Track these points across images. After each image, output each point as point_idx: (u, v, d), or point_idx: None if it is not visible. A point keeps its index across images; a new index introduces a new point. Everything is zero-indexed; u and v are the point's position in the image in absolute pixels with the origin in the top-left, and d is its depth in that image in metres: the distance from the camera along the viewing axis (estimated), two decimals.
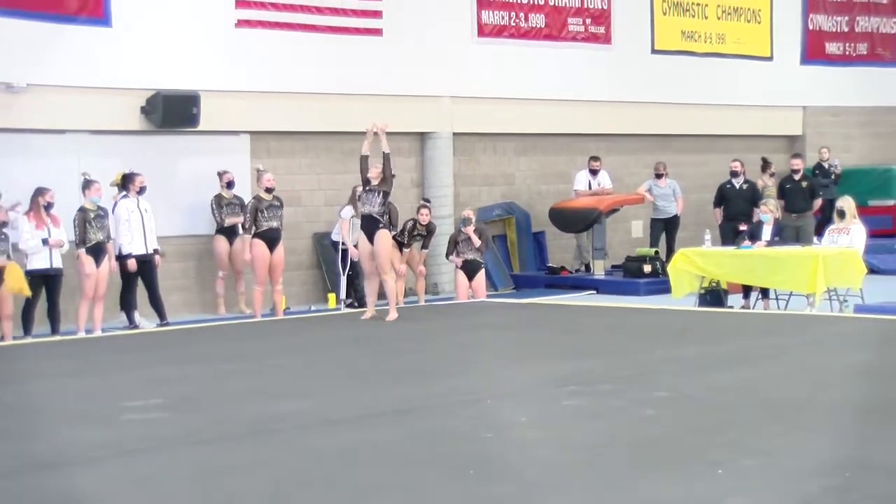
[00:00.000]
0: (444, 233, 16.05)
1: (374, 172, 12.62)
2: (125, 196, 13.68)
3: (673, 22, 20.14)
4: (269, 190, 14.29)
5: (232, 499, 5.53)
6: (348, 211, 15.17)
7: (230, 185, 15.08)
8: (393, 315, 12.65)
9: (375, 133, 12.77)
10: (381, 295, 13.20)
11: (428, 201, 15.73)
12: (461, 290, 15.04)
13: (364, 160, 12.73)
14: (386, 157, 12.68)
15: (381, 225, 12.63)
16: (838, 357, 9.66)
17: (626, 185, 19.05)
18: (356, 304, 15.04)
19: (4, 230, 12.51)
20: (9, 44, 13.80)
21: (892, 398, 7.63)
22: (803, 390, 7.96)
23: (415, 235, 15.09)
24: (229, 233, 15.10)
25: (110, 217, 13.40)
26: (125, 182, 13.71)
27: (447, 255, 15.35)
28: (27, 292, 12.54)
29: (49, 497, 5.67)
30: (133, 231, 13.57)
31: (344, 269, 15.22)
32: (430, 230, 15.19)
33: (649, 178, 18.65)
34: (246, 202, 14.66)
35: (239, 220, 14.81)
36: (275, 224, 14.22)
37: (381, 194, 12.60)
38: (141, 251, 13.64)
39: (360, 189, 13.21)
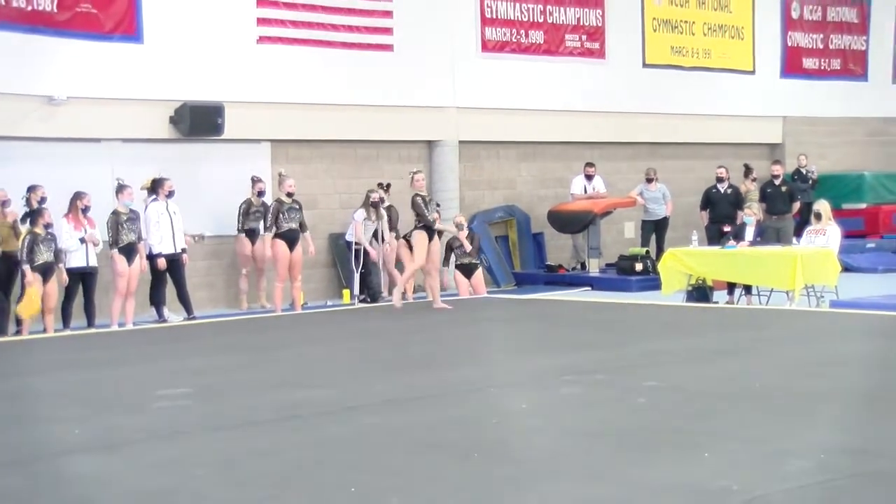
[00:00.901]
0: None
1: (424, 183, 13.27)
2: (155, 199, 13.67)
3: (663, 38, 20.10)
4: (289, 194, 14.31)
5: (255, 480, 5.54)
6: (361, 213, 15.18)
7: (261, 194, 15.08)
8: (442, 304, 13.25)
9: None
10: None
11: (438, 205, 15.71)
12: (462, 289, 15.17)
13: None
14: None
15: None
16: (815, 349, 9.66)
17: (619, 190, 19.01)
18: (369, 300, 15.04)
19: (50, 231, 12.54)
20: (51, 60, 13.83)
21: (865, 386, 7.62)
22: (783, 379, 7.96)
23: None
24: (251, 233, 15.15)
25: (141, 219, 13.41)
26: (155, 186, 13.70)
27: (443, 264, 15.39)
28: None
29: (84, 478, 5.68)
30: (162, 232, 13.57)
31: (357, 268, 15.23)
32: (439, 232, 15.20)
33: (640, 182, 18.61)
34: (269, 206, 14.68)
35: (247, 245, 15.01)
36: (294, 225, 14.24)
37: None
38: (170, 251, 13.64)
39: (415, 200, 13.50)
